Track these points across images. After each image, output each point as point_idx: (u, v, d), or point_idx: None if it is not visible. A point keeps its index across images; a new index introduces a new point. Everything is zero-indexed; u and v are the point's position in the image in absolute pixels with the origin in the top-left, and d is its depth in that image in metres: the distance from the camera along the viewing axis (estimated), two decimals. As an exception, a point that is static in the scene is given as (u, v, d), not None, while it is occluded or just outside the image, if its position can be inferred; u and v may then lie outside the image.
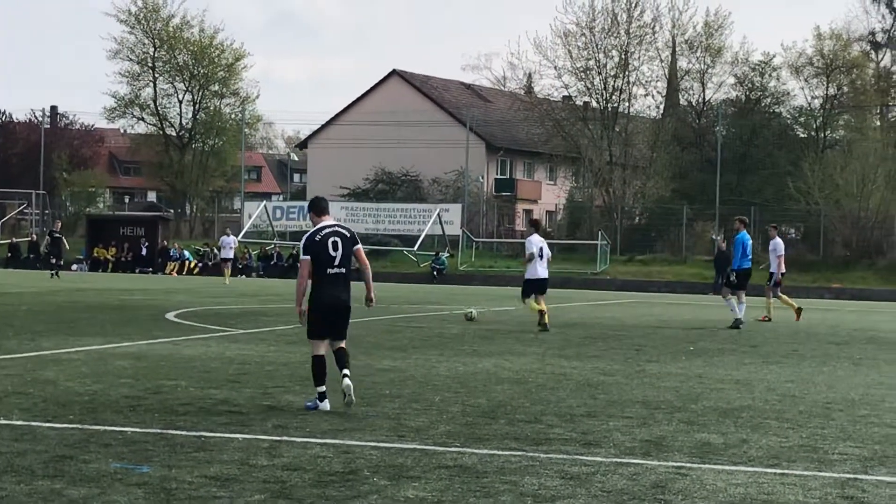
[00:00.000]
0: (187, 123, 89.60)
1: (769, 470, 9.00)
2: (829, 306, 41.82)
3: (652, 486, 8.26)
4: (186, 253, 65.83)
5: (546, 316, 23.61)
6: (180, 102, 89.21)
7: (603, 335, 22.96)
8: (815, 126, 77.78)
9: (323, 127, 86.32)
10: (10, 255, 66.76)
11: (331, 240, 11.71)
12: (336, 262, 11.69)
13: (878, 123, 77.97)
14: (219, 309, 28.76)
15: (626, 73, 73.35)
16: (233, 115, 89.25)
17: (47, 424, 10.25)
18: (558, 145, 75.87)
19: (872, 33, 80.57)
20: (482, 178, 77.79)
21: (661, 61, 75.65)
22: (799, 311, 28.66)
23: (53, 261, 49.52)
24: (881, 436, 10.77)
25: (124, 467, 8.46)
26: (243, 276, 58.61)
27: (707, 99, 77.89)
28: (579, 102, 76.27)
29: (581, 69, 73.38)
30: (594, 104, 74.98)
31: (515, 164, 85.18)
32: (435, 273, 59.69)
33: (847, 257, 60.26)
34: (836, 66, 76.05)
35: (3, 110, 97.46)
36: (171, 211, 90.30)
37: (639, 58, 73.96)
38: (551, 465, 8.95)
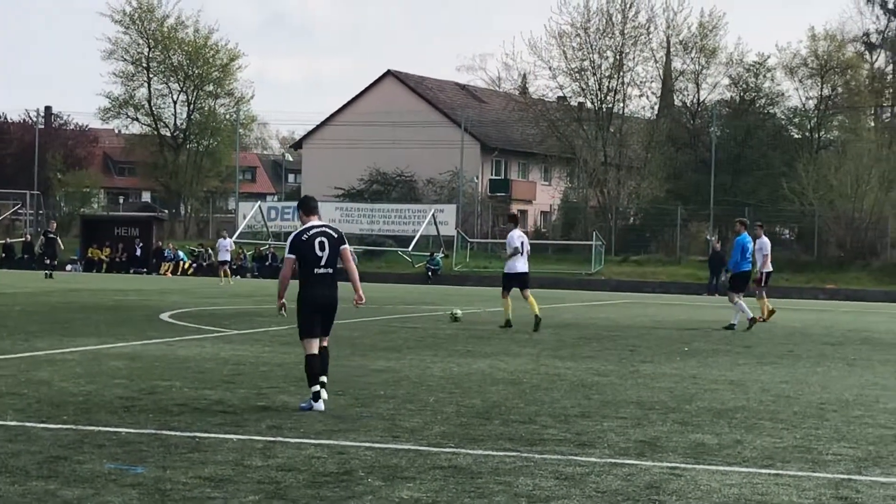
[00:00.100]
0: (182, 124, 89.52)
1: (763, 470, 9.00)
2: (823, 307, 41.87)
3: (646, 487, 8.27)
4: (181, 253, 65.79)
5: (536, 307, 23.77)
6: (175, 103, 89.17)
7: (597, 336, 22.97)
8: (809, 127, 77.84)
9: (317, 127, 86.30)
10: (4, 255, 66.73)
11: (318, 240, 11.79)
12: (323, 263, 11.76)
13: (873, 124, 78.03)
14: (213, 309, 28.75)
15: (621, 73, 73.41)
16: (227, 116, 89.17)
17: (41, 425, 10.24)
18: (553, 146, 75.89)
19: (867, 34, 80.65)
20: (477, 178, 77.81)
21: (656, 62, 75.77)
22: (764, 316, 28.26)
23: (47, 261, 49.48)
24: (875, 436, 10.78)
25: (118, 468, 8.45)
26: (238, 277, 58.58)
27: (701, 100, 77.96)
28: (574, 103, 76.31)
29: (576, 70, 73.44)
30: (589, 105, 75.03)
31: (510, 165, 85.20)
32: (430, 273, 59.70)
33: (841, 258, 60.31)
34: (831, 67, 76.11)
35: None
36: (166, 211, 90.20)
37: (633, 58, 74.08)
38: (546, 465, 8.96)
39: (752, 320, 25.38)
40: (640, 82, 75.30)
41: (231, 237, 54.83)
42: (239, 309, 28.97)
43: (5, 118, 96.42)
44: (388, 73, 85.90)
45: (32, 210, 79.36)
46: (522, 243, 24.53)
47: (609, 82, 73.34)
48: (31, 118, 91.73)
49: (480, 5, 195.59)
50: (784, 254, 61.16)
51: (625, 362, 17.30)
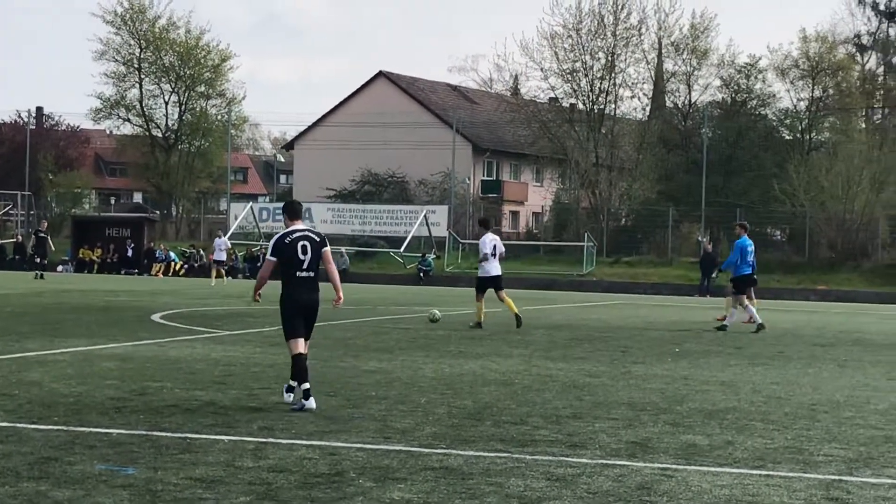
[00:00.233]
0: (173, 124, 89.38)
1: (754, 471, 9.02)
2: (814, 308, 41.92)
3: (637, 488, 8.28)
4: (172, 254, 65.71)
5: (514, 307, 24.28)
6: (166, 103, 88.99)
7: (589, 337, 22.98)
8: (800, 128, 77.91)
9: (309, 128, 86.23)
10: (-5, 256, 66.60)
11: (300, 243, 12.02)
12: (305, 266, 12.01)
13: (864, 126, 78.12)
14: (204, 310, 28.72)
15: (613, 74, 73.40)
16: (219, 117, 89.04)
17: (32, 426, 10.23)
18: (545, 147, 75.87)
19: (858, 36, 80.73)
20: (469, 179, 77.80)
21: (648, 63, 75.75)
22: (724, 318, 28.17)
23: (38, 261, 49.38)
24: (866, 437, 10.80)
25: (109, 469, 8.45)
26: (229, 278, 58.50)
27: (693, 101, 77.98)
28: (566, 104, 76.27)
29: (567, 71, 73.40)
30: (580, 106, 74.99)
31: (502, 166, 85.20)
32: (421, 275, 59.67)
33: (832, 259, 60.37)
34: (822, 69, 76.19)
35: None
36: (157, 212, 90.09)
37: (625, 60, 74.04)
38: (537, 466, 8.96)
39: (761, 325, 25.36)
40: (632, 83, 75.35)
41: (223, 236, 54.71)
42: (230, 310, 28.95)
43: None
44: (380, 73, 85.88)
45: (24, 211, 79.21)
46: (495, 247, 24.89)
47: (601, 83, 73.34)
48: (22, 119, 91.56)
49: (472, 6, 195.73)
50: (775, 255, 61.28)
51: (616, 363, 17.31)
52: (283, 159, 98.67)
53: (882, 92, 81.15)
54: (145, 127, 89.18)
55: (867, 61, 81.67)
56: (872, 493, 8.39)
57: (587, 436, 10.44)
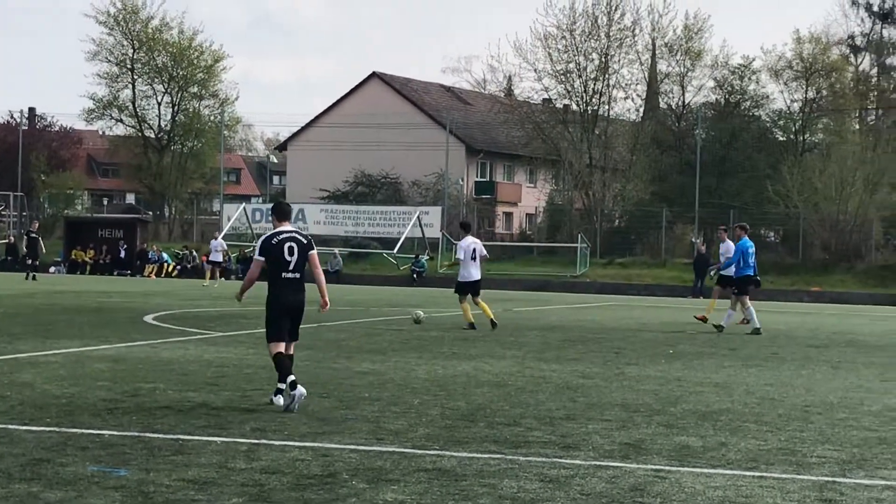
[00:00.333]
0: (166, 125, 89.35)
1: (748, 473, 9.01)
2: (808, 310, 41.96)
3: (630, 489, 8.27)
4: (165, 255, 65.64)
5: (489, 312, 24.50)
6: (159, 104, 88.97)
7: (582, 338, 22.98)
8: (794, 129, 78.05)
9: (302, 129, 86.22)
10: (-12, 257, 66.47)
11: (287, 245, 12.13)
12: (291, 267, 12.11)
13: (857, 127, 78.28)
14: (197, 311, 28.70)
15: (606, 75, 73.48)
16: (212, 117, 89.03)
17: (24, 427, 10.20)
18: (538, 148, 75.94)
19: (851, 37, 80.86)
20: (462, 180, 77.81)
21: (641, 64, 75.84)
22: (704, 319, 28.30)
23: (29, 262, 49.32)
24: (859, 439, 10.80)
25: (101, 470, 8.42)
26: (222, 279, 58.45)
27: (687, 102, 78.09)
28: (559, 105, 76.35)
29: (561, 72, 73.47)
30: (574, 107, 75.08)
31: (495, 167, 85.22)
32: (415, 276, 59.66)
33: (826, 261, 60.45)
34: (816, 70, 76.33)
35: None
36: (150, 213, 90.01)
37: (619, 61, 74.13)
38: (530, 468, 8.95)
39: (758, 329, 25.36)
40: (626, 84, 75.46)
41: (219, 237, 54.72)
42: (223, 311, 28.91)
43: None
44: (374, 74, 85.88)
45: (16, 212, 79.09)
46: (475, 250, 25.11)
47: (594, 84, 73.42)
48: (14, 119, 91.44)
49: (465, 7, 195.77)
50: (769, 256, 61.26)
51: (610, 365, 17.30)
52: (275, 160, 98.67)
53: (876, 93, 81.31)
54: (138, 128, 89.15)
55: (861, 62, 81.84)
56: (866, 494, 8.39)
57: (581, 437, 10.43)
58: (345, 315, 27.56)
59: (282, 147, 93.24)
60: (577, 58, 72.96)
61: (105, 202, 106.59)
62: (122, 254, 65.55)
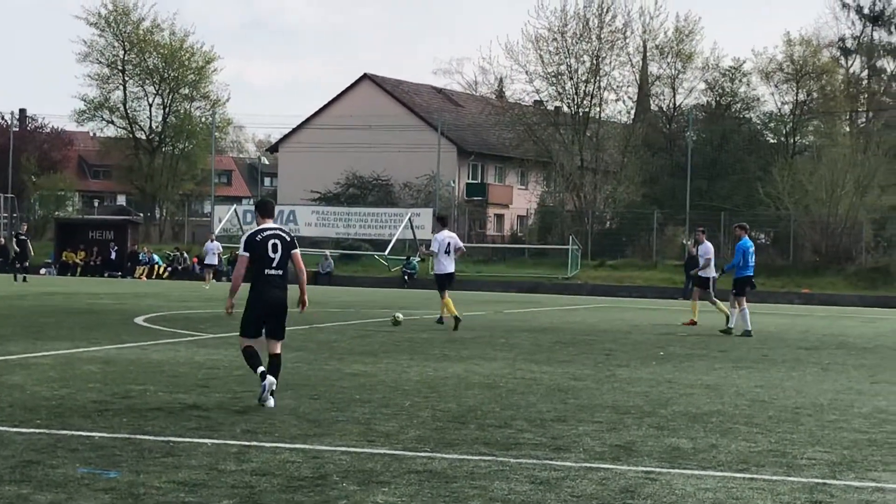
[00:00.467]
0: (157, 127, 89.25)
1: (738, 475, 9.01)
2: (798, 311, 42.02)
3: (621, 491, 8.27)
4: (156, 257, 65.58)
5: (444, 309, 24.89)
6: (150, 105, 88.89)
7: (573, 340, 22.98)
8: (784, 132, 78.17)
9: (294, 131, 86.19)
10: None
11: (271, 242, 12.20)
12: (274, 264, 12.18)
13: (848, 129, 78.41)
14: (188, 313, 28.67)
15: (598, 78, 73.55)
16: (203, 119, 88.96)
17: (14, 429, 10.17)
18: (529, 150, 76.00)
19: (842, 39, 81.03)
20: (453, 182, 77.83)
21: (633, 66, 75.96)
22: (693, 322, 28.53)
23: (18, 265, 49.23)
24: (850, 441, 10.81)
25: (92, 472, 8.41)
26: (213, 280, 58.38)
27: (678, 104, 78.21)
28: (550, 107, 76.42)
29: (552, 74, 73.55)
30: (565, 109, 75.15)
31: (487, 169, 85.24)
32: (406, 278, 59.63)
33: (816, 263, 60.54)
34: (806, 72, 76.47)
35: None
36: (141, 215, 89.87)
37: (610, 63, 74.22)
38: (521, 469, 8.95)
39: (748, 331, 25.36)
40: (617, 87, 75.55)
41: (215, 239, 54.64)
42: (214, 312, 28.87)
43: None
44: (365, 76, 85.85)
45: (6, 213, 78.91)
46: (450, 244, 25.52)
47: (586, 86, 73.48)
48: (5, 121, 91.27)
49: (457, 9, 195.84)
50: (759, 258, 61.16)
51: (601, 366, 17.31)
52: (267, 162, 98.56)
53: (866, 95, 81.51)
54: (129, 129, 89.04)
55: (851, 65, 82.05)
56: (856, 496, 8.39)
57: (571, 439, 10.43)
58: (336, 317, 27.54)
59: (273, 149, 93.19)
60: (568, 60, 73.06)
61: (96, 204, 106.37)
62: (113, 255, 65.46)
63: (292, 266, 12.43)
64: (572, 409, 12.37)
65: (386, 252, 62.71)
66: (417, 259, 61.63)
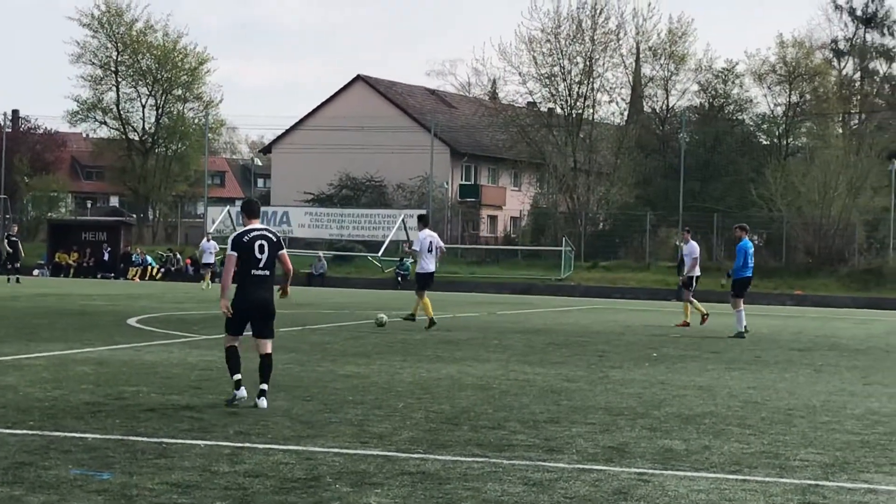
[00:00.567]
0: (150, 128, 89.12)
1: (731, 476, 9.02)
2: (791, 313, 42.06)
3: (614, 493, 8.27)
4: (149, 258, 65.52)
5: (417, 309, 25.39)
6: (143, 107, 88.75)
7: (566, 341, 22.98)
8: (777, 133, 78.26)
9: (287, 132, 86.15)
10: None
11: (258, 242, 12.28)
12: (261, 265, 12.26)
13: (840, 131, 78.53)
14: (181, 314, 28.65)
15: (591, 79, 73.59)
16: (196, 120, 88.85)
17: (7, 431, 10.16)
18: (523, 151, 76.04)
19: (835, 41, 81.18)
20: (447, 183, 77.84)
21: (626, 68, 75.99)
22: (686, 324, 28.67)
23: (10, 265, 49.15)
24: (842, 442, 10.82)
25: (84, 474, 8.40)
26: (210, 281, 58.32)
27: (671, 106, 78.26)
28: (544, 109, 76.43)
29: (546, 75, 73.59)
30: (559, 110, 75.17)
31: (480, 170, 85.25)
32: (399, 279, 59.59)
33: (809, 264, 60.61)
34: (799, 74, 76.58)
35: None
36: (134, 216, 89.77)
37: (603, 64, 74.27)
38: (514, 471, 8.95)
39: (742, 333, 25.36)
40: (610, 88, 75.61)
41: (210, 241, 54.59)
42: (207, 314, 28.85)
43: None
44: (358, 77, 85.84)
45: (-1, 214, 78.88)
46: (431, 243, 25.92)
47: (579, 88, 73.53)
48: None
49: (450, 11, 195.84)
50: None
51: (594, 368, 17.31)
52: (260, 163, 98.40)
53: (859, 97, 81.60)
54: (122, 130, 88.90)
55: (844, 67, 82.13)
56: (848, 497, 8.40)
57: (564, 440, 10.43)
58: (329, 318, 27.53)
59: (266, 150, 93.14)
60: (561, 61, 73.10)
61: (89, 205, 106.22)
62: (106, 256, 65.38)
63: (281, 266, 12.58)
64: (565, 411, 12.38)
65: (379, 253, 62.69)
66: (410, 261, 61.61)
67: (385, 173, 77.56)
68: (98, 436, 10.00)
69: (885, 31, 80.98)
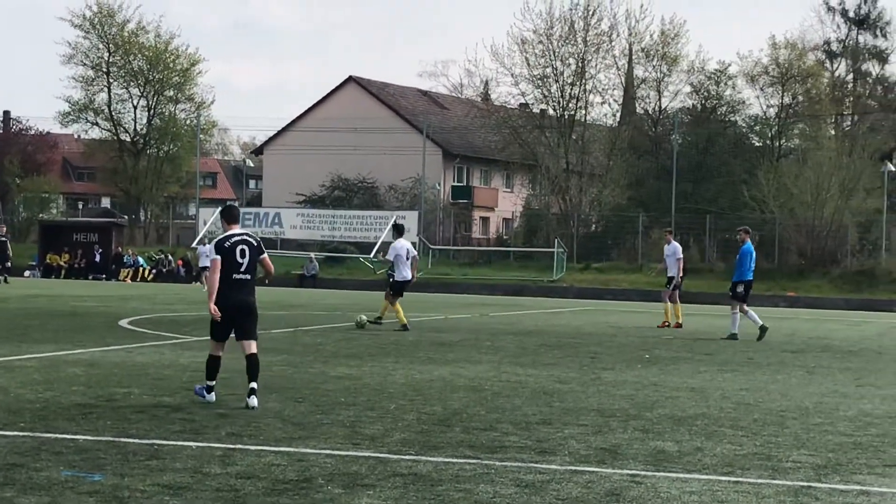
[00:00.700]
0: (142, 129, 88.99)
1: (723, 478, 9.02)
2: (783, 315, 42.06)
3: (606, 494, 8.26)
4: (140, 259, 65.43)
5: (384, 311, 26.28)
6: (135, 108, 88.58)
7: (559, 343, 22.98)
8: (770, 135, 78.31)
9: (279, 133, 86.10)
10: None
11: (239, 247, 12.47)
12: (242, 269, 12.44)
13: (833, 133, 78.55)
14: (173, 316, 28.61)
15: (583, 80, 73.57)
16: (188, 121, 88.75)
17: (-2, 432, 10.14)
18: (515, 153, 76.04)
19: (827, 43, 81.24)
20: (439, 185, 77.82)
21: (618, 69, 75.95)
22: (679, 320, 28.91)
23: (0, 266, 49.07)
24: (835, 444, 10.82)
25: (76, 475, 8.38)
26: (197, 283, 58.31)
27: (663, 107, 78.27)
28: (536, 110, 76.42)
29: (538, 77, 73.55)
30: (551, 112, 75.15)
31: (472, 172, 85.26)
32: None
33: (801, 266, 60.61)
34: (792, 76, 76.64)
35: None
36: (126, 217, 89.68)
37: (596, 66, 74.22)
38: (506, 472, 8.94)
39: (734, 334, 25.38)
40: (603, 90, 75.56)
41: (208, 243, 54.51)
42: (198, 315, 28.81)
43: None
44: (350, 79, 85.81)
45: (-9, 215, 78.73)
46: (408, 251, 26.86)
47: (571, 89, 73.50)
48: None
49: (442, 12, 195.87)
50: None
51: (586, 370, 17.31)
52: (252, 164, 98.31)
53: (851, 99, 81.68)
54: (114, 131, 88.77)
55: (836, 68, 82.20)
56: (841, 499, 8.40)
57: (557, 442, 10.42)
58: (321, 319, 27.50)
59: (258, 151, 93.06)
60: (554, 62, 73.07)
61: (80, 206, 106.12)
62: (98, 258, 65.27)
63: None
64: (557, 413, 12.37)
65: (371, 255, 62.60)
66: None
67: (377, 175, 77.55)
68: (89, 437, 9.98)
69: (878, 32, 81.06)
